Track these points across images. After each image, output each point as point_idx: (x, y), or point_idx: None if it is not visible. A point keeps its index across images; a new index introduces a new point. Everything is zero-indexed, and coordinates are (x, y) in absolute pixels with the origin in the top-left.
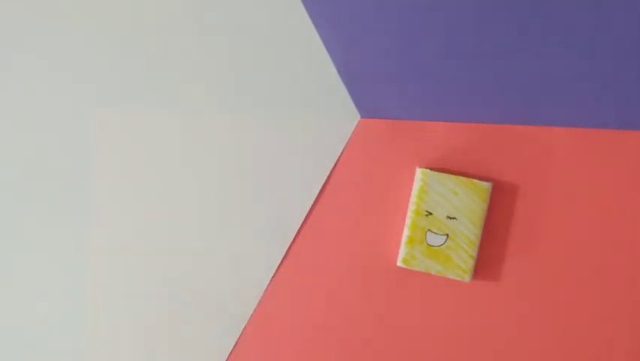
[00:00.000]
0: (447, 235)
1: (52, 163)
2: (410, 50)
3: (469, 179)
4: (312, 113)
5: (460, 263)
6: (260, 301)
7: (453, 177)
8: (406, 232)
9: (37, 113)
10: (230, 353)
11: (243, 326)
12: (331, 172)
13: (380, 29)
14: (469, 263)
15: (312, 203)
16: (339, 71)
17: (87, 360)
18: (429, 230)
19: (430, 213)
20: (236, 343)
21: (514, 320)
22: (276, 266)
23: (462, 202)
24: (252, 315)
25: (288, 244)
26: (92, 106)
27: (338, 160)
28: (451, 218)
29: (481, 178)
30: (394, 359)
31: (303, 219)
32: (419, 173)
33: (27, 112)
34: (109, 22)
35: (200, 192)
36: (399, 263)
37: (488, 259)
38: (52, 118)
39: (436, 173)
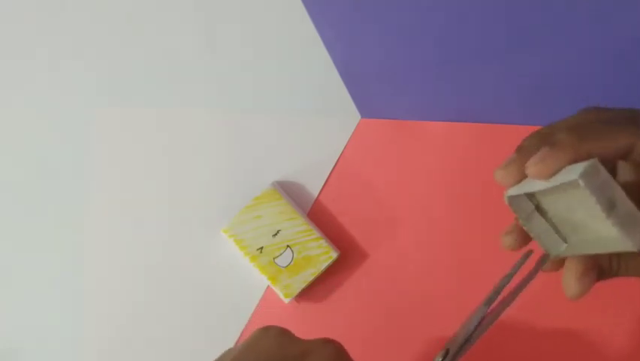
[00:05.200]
0: (287, 246)
1: (52, 163)
2: (410, 50)
3: (254, 198)
4: (312, 113)
5: (318, 251)
6: (261, 298)
7: (243, 209)
8: (263, 277)
9: (36, 113)
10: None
11: (244, 325)
12: (331, 172)
13: (380, 29)
14: (323, 243)
15: (312, 203)
16: (339, 71)
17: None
18: (274, 258)
19: (261, 248)
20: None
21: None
22: None
23: (269, 216)
24: (252, 313)
25: None
26: (92, 106)
27: (338, 160)
28: (275, 234)
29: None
30: None
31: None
32: (224, 235)
33: (27, 112)
34: (109, 21)
35: (200, 191)
36: (286, 300)
37: None
38: (52, 118)
39: (233, 219)
